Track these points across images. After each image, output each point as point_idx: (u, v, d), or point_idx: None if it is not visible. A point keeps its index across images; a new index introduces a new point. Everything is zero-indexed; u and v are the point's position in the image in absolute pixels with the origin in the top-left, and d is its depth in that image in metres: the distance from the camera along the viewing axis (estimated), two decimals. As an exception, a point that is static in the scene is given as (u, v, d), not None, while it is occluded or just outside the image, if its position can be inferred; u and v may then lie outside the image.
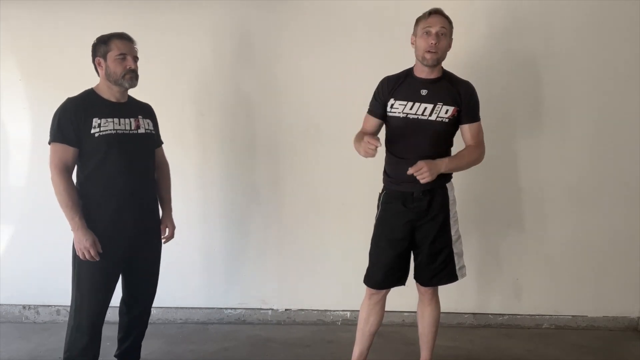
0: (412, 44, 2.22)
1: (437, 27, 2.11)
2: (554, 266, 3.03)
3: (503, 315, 3.10)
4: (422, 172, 2.05)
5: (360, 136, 2.26)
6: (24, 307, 3.23)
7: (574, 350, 2.80)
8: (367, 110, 2.33)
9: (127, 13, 2.96)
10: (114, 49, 2.18)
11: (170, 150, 3.03)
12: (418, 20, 2.19)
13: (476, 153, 2.23)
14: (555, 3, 2.87)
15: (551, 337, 2.96)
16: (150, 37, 2.97)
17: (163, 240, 2.45)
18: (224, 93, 3.08)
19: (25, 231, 3.16)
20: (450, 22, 2.17)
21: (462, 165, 2.22)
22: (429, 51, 2.11)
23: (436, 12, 2.15)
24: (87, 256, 2.12)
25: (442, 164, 2.12)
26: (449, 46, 2.18)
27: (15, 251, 3.19)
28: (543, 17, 2.88)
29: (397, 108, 2.20)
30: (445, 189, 2.24)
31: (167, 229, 2.46)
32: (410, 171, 2.06)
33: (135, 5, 3.00)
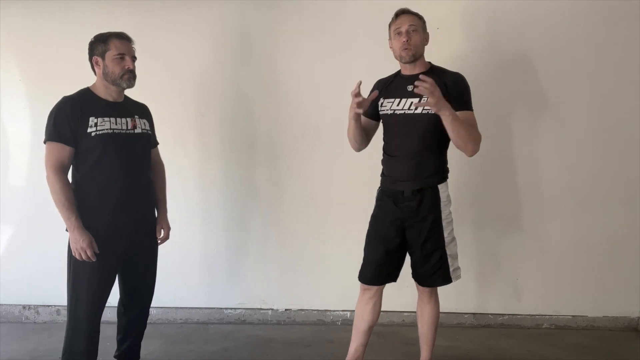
0: (390, 48, 2.27)
1: (405, 25, 2.17)
2: (554, 266, 3.03)
3: (503, 315, 3.10)
4: (427, 85, 1.94)
5: None
6: (24, 307, 3.24)
7: (574, 350, 2.80)
8: None
9: (128, 13, 2.97)
10: (113, 49, 2.16)
11: (170, 150, 3.03)
12: (389, 25, 2.26)
13: (473, 131, 2.15)
14: (555, 3, 2.87)
15: (551, 337, 2.95)
16: (150, 37, 2.98)
17: (158, 241, 2.44)
18: (224, 93, 3.08)
19: (25, 231, 3.17)
20: (419, 18, 2.23)
21: (460, 127, 2.06)
22: (404, 49, 2.17)
23: (402, 12, 2.22)
24: (84, 257, 2.09)
25: (449, 107, 2.02)
26: (425, 40, 2.24)
27: (15, 251, 3.20)
28: (543, 16, 2.88)
29: (386, 106, 2.26)
30: (437, 190, 2.22)
31: (162, 230, 2.44)
32: (421, 78, 1.95)
33: (135, 5, 3.00)
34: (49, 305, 3.20)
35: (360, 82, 2.09)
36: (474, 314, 3.11)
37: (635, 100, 2.90)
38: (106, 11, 2.95)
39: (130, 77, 2.20)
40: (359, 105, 2.11)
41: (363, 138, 2.33)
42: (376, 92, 2.20)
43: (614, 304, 3.04)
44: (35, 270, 3.13)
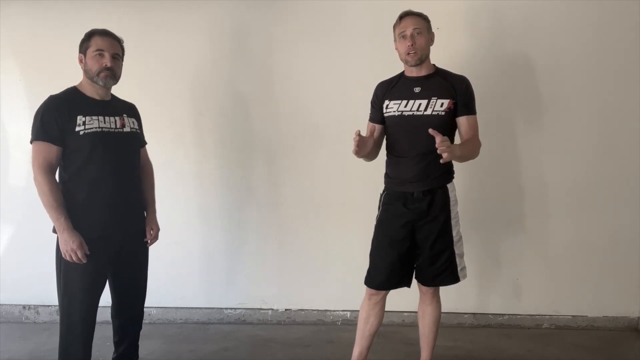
0: (395, 49, 2.27)
1: (410, 28, 2.16)
2: (554, 266, 3.03)
3: (503, 315, 3.10)
4: (445, 143, 1.97)
5: None
6: (24, 307, 3.24)
7: (574, 350, 2.80)
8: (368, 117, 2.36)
9: (128, 13, 2.97)
10: (93, 45, 2.12)
11: (170, 150, 3.05)
12: (394, 27, 2.25)
13: (477, 143, 2.23)
14: (556, 3, 2.87)
15: (551, 337, 2.95)
16: (150, 37, 2.99)
17: (147, 242, 2.37)
18: (223, 93, 3.08)
19: (25, 231, 3.16)
20: (424, 19, 2.21)
21: (468, 151, 2.17)
22: (408, 53, 2.16)
23: (407, 14, 2.21)
24: (75, 258, 2.06)
25: (457, 148, 2.09)
26: (430, 41, 2.23)
27: (16, 251, 3.20)
28: (544, 16, 2.88)
29: (392, 107, 2.23)
30: (446, 189, 2.23)
31: (151, 231, 2.37)
32: (434, 134, 1.97)
33: (134, 4, 3.00)
34: (49, 305, 3.19)
35: (359, 132, 2.06)
36: (474, 314, 3.11)
37: (636, 101, 2.89)
38: (106, 11, 2.95)
39: (107, 74, 2.13)
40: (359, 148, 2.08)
41: (374, 152, 2.31)
42: (374, 127, 2.21)
43: (613, 304, 3.04)
44: (36, 270, 3.12)
